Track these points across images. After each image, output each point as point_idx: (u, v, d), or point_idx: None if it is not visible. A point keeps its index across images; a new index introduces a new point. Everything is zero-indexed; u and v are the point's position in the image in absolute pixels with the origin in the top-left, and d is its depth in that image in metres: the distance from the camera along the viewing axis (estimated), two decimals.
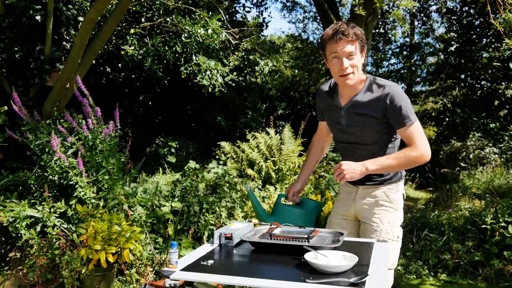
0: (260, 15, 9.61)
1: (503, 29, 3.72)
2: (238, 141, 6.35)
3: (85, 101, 3.87)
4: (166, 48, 6.04)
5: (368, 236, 2.23)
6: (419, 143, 2.04)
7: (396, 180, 2.24)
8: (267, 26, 8.41)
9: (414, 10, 13.49)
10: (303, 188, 2.49)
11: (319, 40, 2.14)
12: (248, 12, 8.96)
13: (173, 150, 7.34)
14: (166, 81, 7.30)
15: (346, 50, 2.02)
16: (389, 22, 15.84)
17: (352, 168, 2.01)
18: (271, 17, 10.01)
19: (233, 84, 6.51)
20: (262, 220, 2.34)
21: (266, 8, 8.87)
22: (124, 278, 3.52)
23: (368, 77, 2.15)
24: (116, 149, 3.89)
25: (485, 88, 11.65)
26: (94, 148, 3.78)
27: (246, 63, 7.56)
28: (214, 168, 5.21)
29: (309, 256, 1.71)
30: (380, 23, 15.33)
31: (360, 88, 2.14)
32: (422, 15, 14.88)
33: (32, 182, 3.85)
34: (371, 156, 2.11)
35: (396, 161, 2.03)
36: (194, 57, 5.84)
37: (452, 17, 12.13)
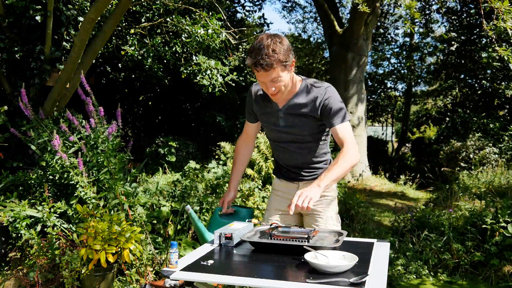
0: (257, 13, 9.61)
1: (495, 37, 3.71)
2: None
3: (88, 100, 3.87)
4: (166, 48, 6.04)
5: (314, 225, 2.33)
6: (351, 141, 2.10)
7: (327, 159, 2.40)
8: (268, 26, 8.40)
9: (415, 10, 13.48)
10: (236, 196, 2.48)
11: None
12: (249, 11, 8.94)
13: (173, 150, 7.34)
14: (166, 81, 7.31)
15: (268, 78, 2.02)
16: (388, 23, 15.85)
17: (312, 193, 1.92)
18: (266, 19, 9.98)
19: (233, 84, 6.52)
20: (207, 241, 2.19)
21: (260, 8, 8.86)
22: (124, 278, 3.52)
23: (303, 79, 2.21)
24: (117, 149, 3.89)
25: (485, 88, 11.65)
26: (96, 148, 3.79)
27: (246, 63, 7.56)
28: (214, 168, 5.21)
29: (309, 256, 1.71)
30: (380, 23, 15.34)
31: (296, 90, 2.18)
32: (421, 14, 14.88)
33: (32, 182, 3.85)
34: (308, 151, 2.28)
35: (341, 169, 2.03)
36: (194, 57, 5.84)
37: (453, 17, 12.14)
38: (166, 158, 7.19)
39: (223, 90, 6.02)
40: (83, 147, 3.71)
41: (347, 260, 1.72)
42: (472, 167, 8.19)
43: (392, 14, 14.53)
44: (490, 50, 10.53)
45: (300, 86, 2.19)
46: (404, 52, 16.74)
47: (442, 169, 8.69)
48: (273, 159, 5.74)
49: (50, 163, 3.64)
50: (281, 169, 2.43)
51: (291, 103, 2.18)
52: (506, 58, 2.95)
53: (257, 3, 9.00)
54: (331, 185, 2.08)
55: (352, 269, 1.67)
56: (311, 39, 18.59)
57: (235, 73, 6.19)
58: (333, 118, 2.12)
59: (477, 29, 11.45)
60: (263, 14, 8.58)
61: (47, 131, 3.81)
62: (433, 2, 13.48)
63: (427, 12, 14.12)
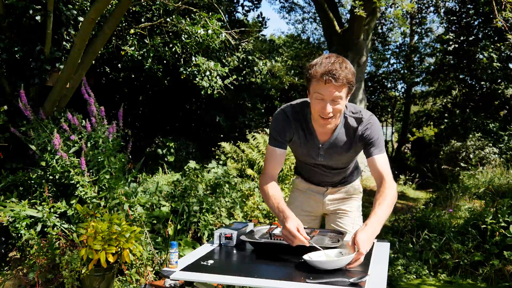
0: (255, 12, 9.61)
1: (508, 25, 3.72)
2: (238, 141, 6.35)
3: (91, 100, 3.87)
4: (166, 49, 6.04)
5: (338, 223, 2.34)
6: (390, 176, 1.98)
7: (358, 177, 2.43)
8: (265, 23, 8.38)
9: (413, 11, 13.50)
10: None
11: (306, 70, 1.91)
12: (248, 11, 8.93)
13: (172, 150, 7.35)
14: (166, 81, 7.30)
15: (332, 94, 1.85)
16: (386, 23, 15.85)
17: (370, 241, 1.74)
18: (264, 17, 9.95)
19: (232, 88, 6.52)
20: None
21: (257, 7, 8.82)
22: (124, 278, 3.52)
23: (344, 111, 2.03)
24: (117, 149, 3.89)
25: (485, 88, 11.65)
26: (96, 147, 3.79)
27: (245, 63, 7.56)
28: (214, 168, 5.21)
29: (306, 256, 1.71)
30: (379, 23, 15.33)
31: (338, 122, 2.03)
32: (419, 16, 14.89)
33: (32, 182, 3.85)
34: (337, 174, 2.26)
35: (388, 209, 1.89)
36: (193, 58, 5.84)
37: (451, 17, 12.14)
38: (165, 158, 7.20)
39: (222, 92, 6.02)
40: (84, 147, 3.71)
41: (345, 256, 1.71)
42: (470, 167, 8.19)
43: (388, 17, 14.53)
44: (490, 50, 10.53)
45: (341, 119, 2.04)
46: (403, 53, 16.75)
47: (442, 166, 8.69)
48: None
49: (50, 163, 3.64)
50: (305, 176, 2.39)
51: (332, 141, 2.05)
52: None
53: (255, 2, 8.99)
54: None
55: (352, 269, 1.67)
56: (311, 39, 18.60)
57: (234, 76, 6.19)
58: (371, 148, 2.01)
59: (476, 29, 11.46)
60: (260, 13, 8.58)
61: (46, 131, 3.81)
62: (432, 3, 13.49)
63: (423, 14, 14.14)
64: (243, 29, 7.35)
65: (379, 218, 1.81)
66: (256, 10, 9.38)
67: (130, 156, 4.25)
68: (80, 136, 3.83)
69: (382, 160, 2.00)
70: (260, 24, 8.62)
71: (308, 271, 1.66)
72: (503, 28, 3.85)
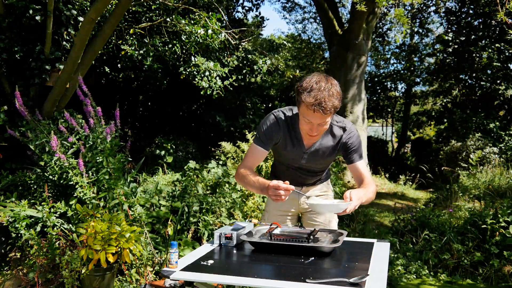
0: (254, 12, 9.61)
1: (510, 20, 3.71)
2: (238, 141, 6.34)
3: (87, 101, 3.87)
4: (166, 48, 6.04)
5: (314, 219, 2.43)
6: (370, 178, 2.21)
7: (328, 178, 2.57)
8: (262, 21, 8.38)
9: (415, 8, 13.50)
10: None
11: (297, 90, 2.02)
12: (248, 11, 8.93)
13: (171, 150, 7.35)
14: (165, 82, 7.31)
15: (320, 120, 2.00)
16: (386, 23, 15.85)
17: (360, 199, 1.98)
18: (262, 17, 9.95)
19: (231, 88, 6.52)
20: None
21: (257, 8, 8.82)
22: (124, 278, 3.52)
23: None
24: (116, 149, 3.89)
25: (485, 88, 11.66)
26: (94, 148, 3.78)
27: (245, 62, 7.56)
28: (214, 168, 5.21)
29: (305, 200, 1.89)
30: (379, 23, 15.34)
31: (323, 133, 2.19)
32: (419, 16, 14.90)
33: (32, 182, 3.85)
34: (314, 176, 2.40)
35: (368, 197, 2.08)
36: (193, 58, 5.84)
37: (451, 18, 12.14)
38: (164, 159, 7.21)
39: (221, 93, 6.03)
40: (82, 148, 3.70)
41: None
42: (469, 167, 8.19)
43: (388, 16, 14.54)
44: (490, 50, 10.53)
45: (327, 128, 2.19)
46: (404, 53, 16.75)
47: (443, 168, 8.69)
48: (272, 159, 5.75)
49: (48, 164, 3.64)
50: (282, 179, 2.43)
51: (317, 147, 2.21)
52: None
53: (255, 2, 9.00)
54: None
55: (352, 269, 1.67)
56: (311, 39, 18.60)
57: (234, 77, 6.18)
58: (353, 155, 2.21)
59: (476, 30, 11.46)
60: (259, 13, 8.59)
61: (44, 132, 3.81)
62: (432, 3, 13.49)
63: (423, 14, 14.14)
64: (243, 28, 7.35)
65: (366, 192, 2.05)
66: (256, 10, 9.34)
67: (129, 156, 4.25)
68: (78, 137, 3.83)
69: (363, 165, 2.22)
70: (259, 24, 8.63)
71: (308, 271, 1.66)
72: (505, 23, 3.85)
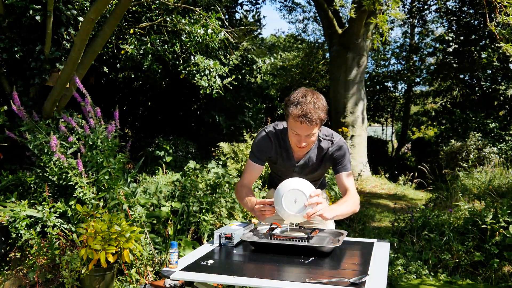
0: (255, 12, 9.60)
1: (497, 32, 3.71)
2: (238, 142, 6.35)
3: (86, 101, 3.87)
4: (165, 47, 6.04)
5: (310, 220, 2.40)
6: (354, 190, 2.25)
7: (324, 187, 2.62)
8: (260, 20, 8.38)
9: (403, 19, 13.50)
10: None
11: (285, 104, 2.12)
12: (247, 11, 8.94)
13: (171, 151, 7.35)
14: (165, 81, 7.31)
15: (307, 132, 2.08)
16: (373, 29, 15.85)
17: (325, 211, 1.99)
18: (261, 17, 9.97)
19: (231, 88, 6.52)
20: None
21: (257, 8, 8.84)
22: (124, 278, 3.52)
23: (318, 134, 2.25)
24: (116, 149, 3.89)
25: (485, 88, 11.66)
26: (94, 148, 3.78)
27: (244, 61, 7.55)
28: (214, 168, 5.21)
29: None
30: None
31: (312, 146, 2.26)
32: (419, 16, 14.89)
33: (31, 182, 3.84)
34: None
35: (349, 209, 2.14)
36: (192, 57, 5.83)
37: (451, 18, 12.14)
38: (163, 159, 7.21)
39: (221, 92, 6.02)
40: (82, 148, 3.70)
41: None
42: (468, 168, 8.19)
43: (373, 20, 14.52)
44: (489, 50, 10.53)
45: (315, 141, 2.26)
46: (404, 53, 16.75)
47: (443, 171, 8.69)
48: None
49: (48, 165, 3.63)
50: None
51: (306, 160, 2.29)
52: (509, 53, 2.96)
53: (254, 2, 9.01)
54: (336, 218, 2.13)
55: (352, 269, 1.67)
56: (311, 39, 18.61)
57: (233, 76, 6.18)
58: (339, 166, 2.28)
59: (476, 30, 11.45)
60: (259, 12, 8.61)
61: (43, 132, 3.80)
62: (432, 3, 13.48)
63: (422, 14, 14.13)
64: (242, 27, 7.35)
65: (339, 208, 2.09)
66: (256, 10, 9.34)
67: (129, 157, 4.25)
68: (77, 137, 3.82)
69: (348, 177, 2.27)
70: (258, 23, 8.63)
71: (308, 271, 1.66)
72: (496, 34, 3.83)
